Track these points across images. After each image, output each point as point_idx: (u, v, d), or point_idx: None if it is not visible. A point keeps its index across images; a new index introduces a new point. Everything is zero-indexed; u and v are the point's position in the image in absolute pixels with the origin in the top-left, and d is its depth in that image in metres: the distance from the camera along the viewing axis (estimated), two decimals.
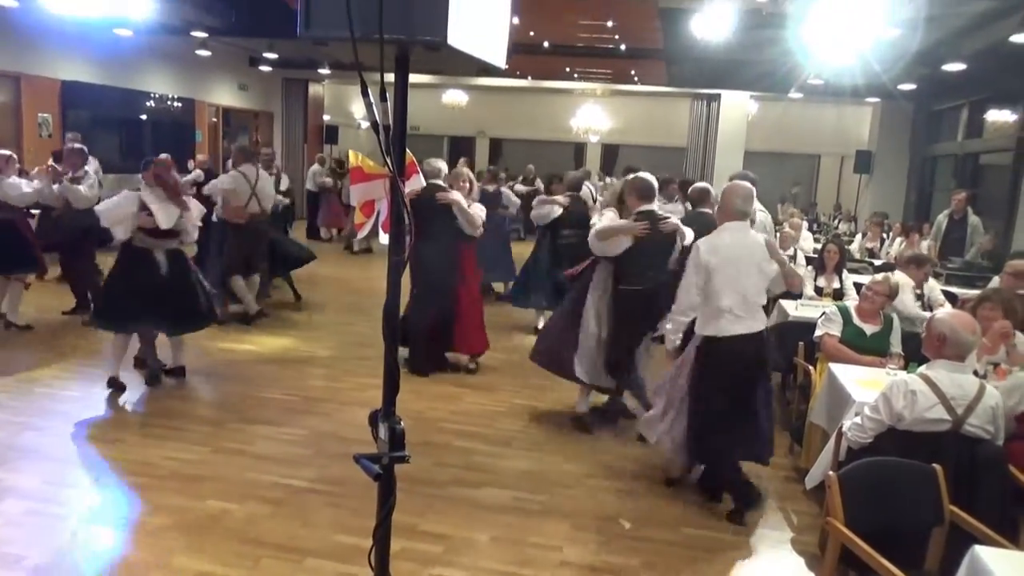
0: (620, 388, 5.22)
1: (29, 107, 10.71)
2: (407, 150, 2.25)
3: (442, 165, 6.22)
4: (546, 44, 12.63)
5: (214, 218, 7.20)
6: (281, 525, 3.62)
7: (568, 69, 15.80)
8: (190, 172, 10.42)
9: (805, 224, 10.17)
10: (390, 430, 1.89)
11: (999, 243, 9.49)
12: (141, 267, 5.23)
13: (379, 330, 1.89)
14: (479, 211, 6.08)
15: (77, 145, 7.24)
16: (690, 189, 6.77)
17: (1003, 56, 8.90)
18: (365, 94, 1.72)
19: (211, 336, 6.48)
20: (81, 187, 6.66)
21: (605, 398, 5.41)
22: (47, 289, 7.94)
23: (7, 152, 6.63)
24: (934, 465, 2.89)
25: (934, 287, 6.10)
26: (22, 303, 6.86)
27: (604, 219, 4.97)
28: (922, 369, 3.35)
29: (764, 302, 4.06)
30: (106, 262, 5.54)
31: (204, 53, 13.01)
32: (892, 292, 5.05)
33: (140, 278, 5.21)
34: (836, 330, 4.71)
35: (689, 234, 4.77)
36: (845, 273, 6.49)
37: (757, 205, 5.73)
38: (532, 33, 11.89)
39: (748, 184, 4.18)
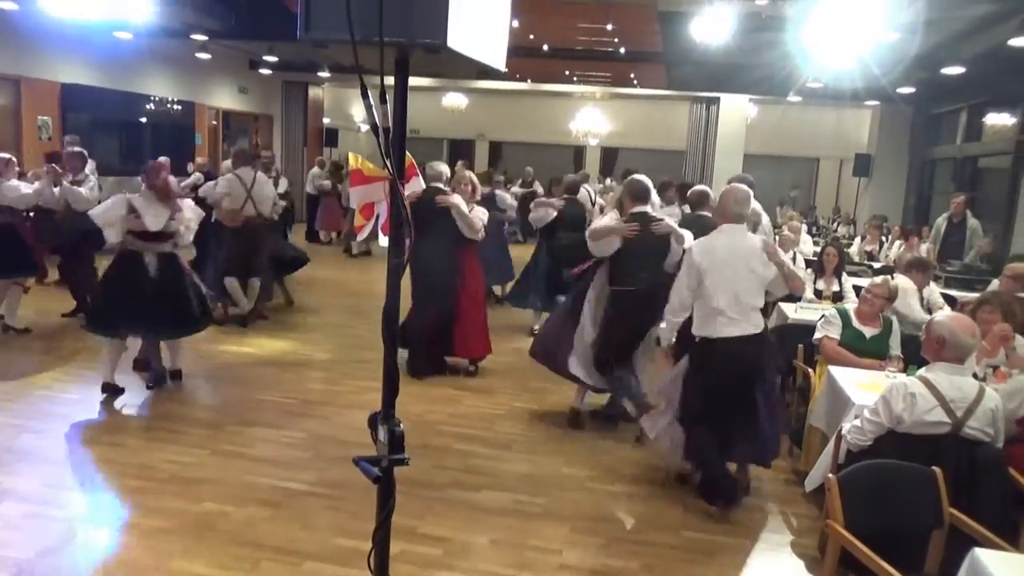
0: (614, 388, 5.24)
1: (29, 110, 10.71)
2: (407, 153, 2.25)
3: (444, 169, 6.25)
4: (545, 47, 12.65)
5: (213, 220, 7.21)
6: (280, 528, 3.62)
7: (567, 72, 15.81)
8: (190, 175, 10.43)
9: (804, 227, 10.18)
10: (389, 432, 1.89)
11: (998, 246, 9.50)
12: (130, 271, 5.19)
13: (378, 333, 1.89)
14: (480, 214, 6.07)
15: (76, 148, 7.25)
16: (689, 192, 6.77)
17: (1002, 60, 8.92)
18: (365, 96, 1.72)
19: (210, 339, 6.48)
20: (82, 189, 6.66)
21: (605, 401, 5.41)
22: (47, 292, 7.93)
23: (7, 155, 6.63)
24: (934, 468, 2.89)
25: (933, 290, 6.09)
26: (21, 306, 6.85)
27: (602, 220, 5.04)
28: (921, 372, 3.36)
29: (760, 304, 4.07)
30: (104, 266, 5.53)
31: (204, 56, 13.02)
32: (891, 295, 5.05)
33: (129, 282, 5.17)
34: (835, 333, 4.71)
35: (688, 237, 4.78)
36: (844, 276, 6.49)
37: (756, 207, 5.74)
38: (532, 36, 11.91)
39: (745, 187, 4.20)
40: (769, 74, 11.58)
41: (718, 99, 15.48)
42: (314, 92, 17.74)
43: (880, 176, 14.88)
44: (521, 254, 9.46)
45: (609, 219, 4.98)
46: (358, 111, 20.87)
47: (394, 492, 1.91)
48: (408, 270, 5.59)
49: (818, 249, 7.79)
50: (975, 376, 3.57)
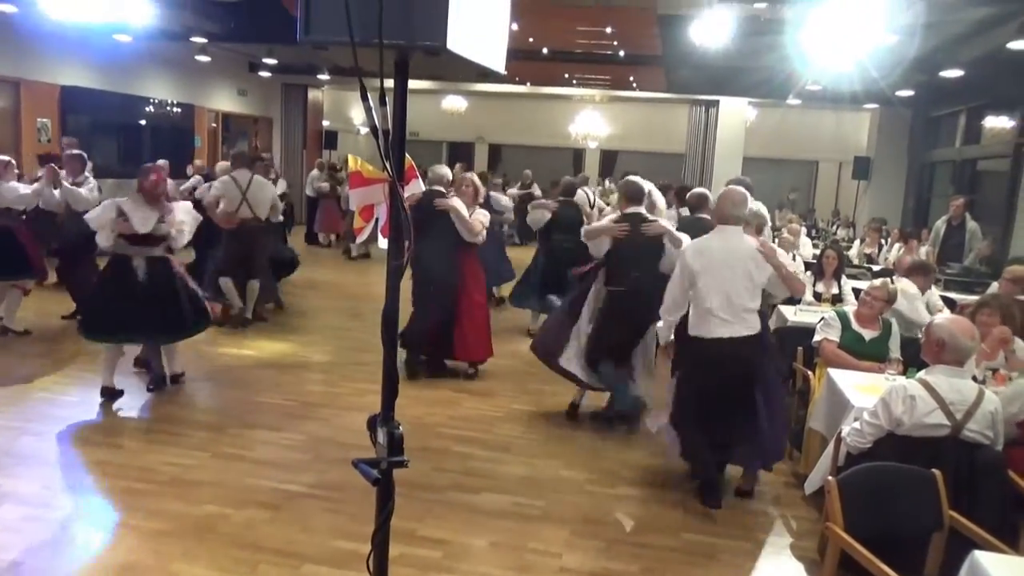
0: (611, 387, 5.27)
1: (28, 112, 10.71)
2: (406, 155, 2.25)
3: (447, 172, 6.28)
4: (545, 50, 12.65)
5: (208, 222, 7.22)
6: (279, 530, 3.61)
7: (567, 75, 15.82)
8: (189, 177, 10.42)
9: (803, 230, 10.18)
10: (389, 435, 1.89)
11: (997, 249, 9.50)
12: (119, 275, 5.15)
13: (377, 335, 1.89)
14: (482, 217, 6.07)
15: (75, 151, 7.25)
16: (688, 195, 6.81)
17: (1001, 63, 8.93)
18: (365, 99, 1.72)
19: (210, 341, 6.48)
20: (82, 190, 6.66)
21: (604, 403, 5.41)
22: (46, 294, 7.93)
23: (6, 157, 6.63)
24: (933, 470, 2.89)
25: (933, 293, 6.10)
26: (20, 308, 6.85)
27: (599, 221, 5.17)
28: (921, 374, 3.36)
29: (755, 306, 4.07)
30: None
31: (204, 59, 13.03)
32: (890, 297, 5.06)
33: (118, 286, 5.14)
34: (835, 335, 4.72)
35: (686, 240, 4.79)
36: (844, 279, 6.50)
37: (762, 209, 5.76)
38: (531, 39, 11.91)
39: (741, 189, 4.22)
40: (768, 77, 11.59)
41: (717, 102, 15.49)
42: (313, 95, 17.75)
43: (879, 179, 14.89)
44: (517, 256, 9.48)
45: (608, 219, 5.07)
46: (357, 113, 20.87)
47: (393, 494, 1.91)
48: (408, 272, 5.62)
49: (817, 252, 7.80)
50: (974, 379, 3.57)
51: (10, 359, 6.14)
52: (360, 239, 6.64)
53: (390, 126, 1.77)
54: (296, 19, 1.71)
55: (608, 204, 10.10)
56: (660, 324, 4.41)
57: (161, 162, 7.53)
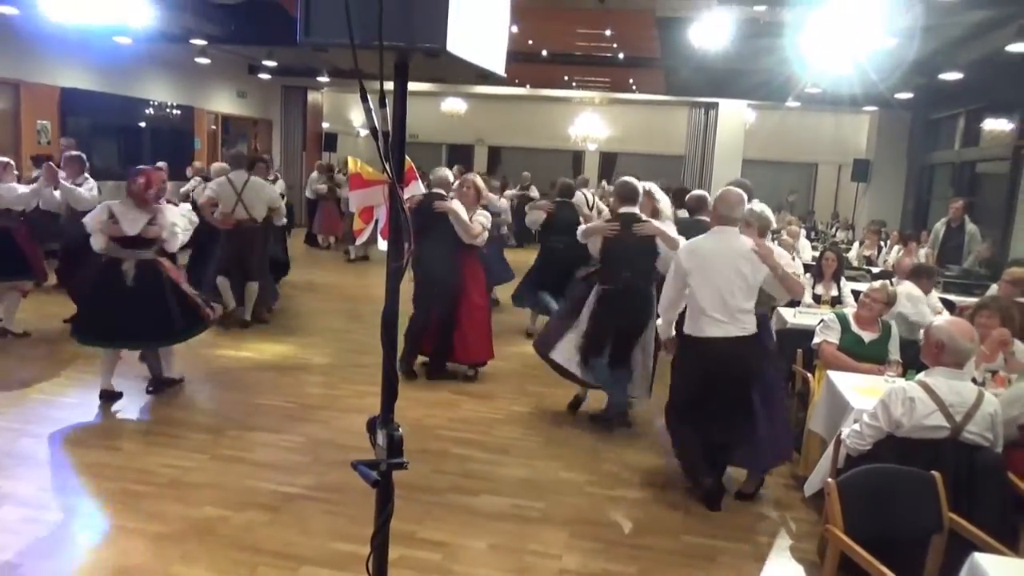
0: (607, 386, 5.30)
1: (28, 114, 10.71)
2: (406, 157, 2.26)
3: (448, 175, 6.30)
4: (544, 52, 12.66)
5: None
6: (278, 532, 3.61)
7: (566, 77, 15.83)
8: (189, 179, 10.43)
9: (803, 232, 10.19)
10: (388, 437, 1.89)
11: (996, 251, 9.52)
12: (109, 279, 5.12)
13: (376, 337, 1.88)
14: (483, 219, 6.07)
15: (74, 152, 7.24)
16: (687, 197, 6.82)
17: (999, 65, 8.95)
18: (365, 101, 1.72)
19: (209, 343, 6.48)
20: (81, 189, 6.66)
21: (604, 405, 5.41)
22: (46, 296, 7.92)
23: (5, 159, 6.63)
24: (933, 472, 2.89)
25: (932, 295, 6.10)
26: (20, 310, 6.84)
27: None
28: (920, 376, 3.36)
29: (750, 307, 4.07)
30: None
31: (203, 61, 13.04)
32: (890, 299, 5.06)
33: (107, 290, 5.11)
34: (834, 337, 4.72)
35: (683, 242, 4.80)
36: (843, 281, 6.51)
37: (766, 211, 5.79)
38: (531, 41, 11.92)
39: (738, 190, 4.23)
40: (767, 79, 11.62)
41: (717, 104, 15.51)
42: (313, 97, 17.76)
43: (878, 181, 14.91)
44: (514, 258, 9.49)
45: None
46: (357, 116, 20.88)
47: (393, 496, 1.91)
48: (409, 275, 5.65)
49: (817, 254, 7.81)
50: (974, 381, 3.57)
51: (9, 361, 6.13)
52: (360, 241, 6.64)
53: (390, 128, 1.77)
54: (296, 21, 1.71)
55: (607, 206, 10.11)
56: (659, 321, 4.46)
57: (160, 164, 7.54)
